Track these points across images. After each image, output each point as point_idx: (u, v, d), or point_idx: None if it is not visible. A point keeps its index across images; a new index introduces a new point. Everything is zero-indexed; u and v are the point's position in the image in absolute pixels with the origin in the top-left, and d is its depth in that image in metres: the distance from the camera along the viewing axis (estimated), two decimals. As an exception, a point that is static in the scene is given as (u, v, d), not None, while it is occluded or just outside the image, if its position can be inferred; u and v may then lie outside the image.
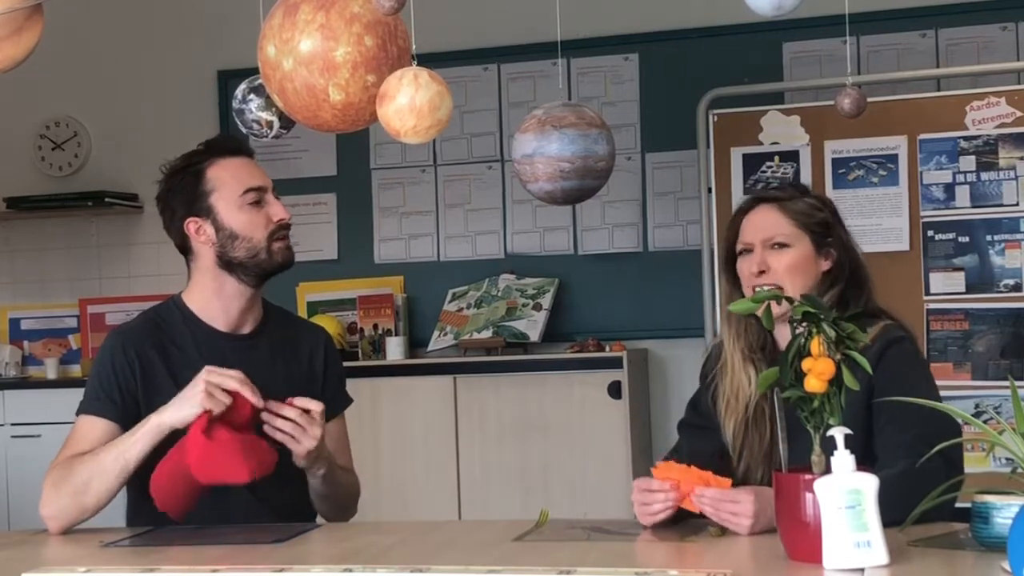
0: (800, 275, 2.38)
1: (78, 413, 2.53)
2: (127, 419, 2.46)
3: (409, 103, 2.00)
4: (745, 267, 2.42)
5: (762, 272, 2.39)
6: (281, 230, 2.58)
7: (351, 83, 2.12)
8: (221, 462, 2.30)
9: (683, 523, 2.18)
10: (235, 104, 2.45)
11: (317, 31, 2.10)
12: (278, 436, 2.41)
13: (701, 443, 2.43)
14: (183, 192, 2.57)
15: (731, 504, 2.10)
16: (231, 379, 2.36)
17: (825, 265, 2.43)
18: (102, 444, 2.43)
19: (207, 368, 2.38)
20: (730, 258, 2.48)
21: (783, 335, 2.39)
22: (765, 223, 2.42)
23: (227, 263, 2.57)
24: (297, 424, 2.41)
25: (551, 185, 2.40)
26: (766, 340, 2.44)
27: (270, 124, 2.42)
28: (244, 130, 2.50)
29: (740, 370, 2.43)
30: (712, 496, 2.13)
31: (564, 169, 2.38)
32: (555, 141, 2.37)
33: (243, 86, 2.44)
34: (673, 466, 2.21)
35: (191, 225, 2.57)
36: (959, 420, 2.14)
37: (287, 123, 2.42)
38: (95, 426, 2.48)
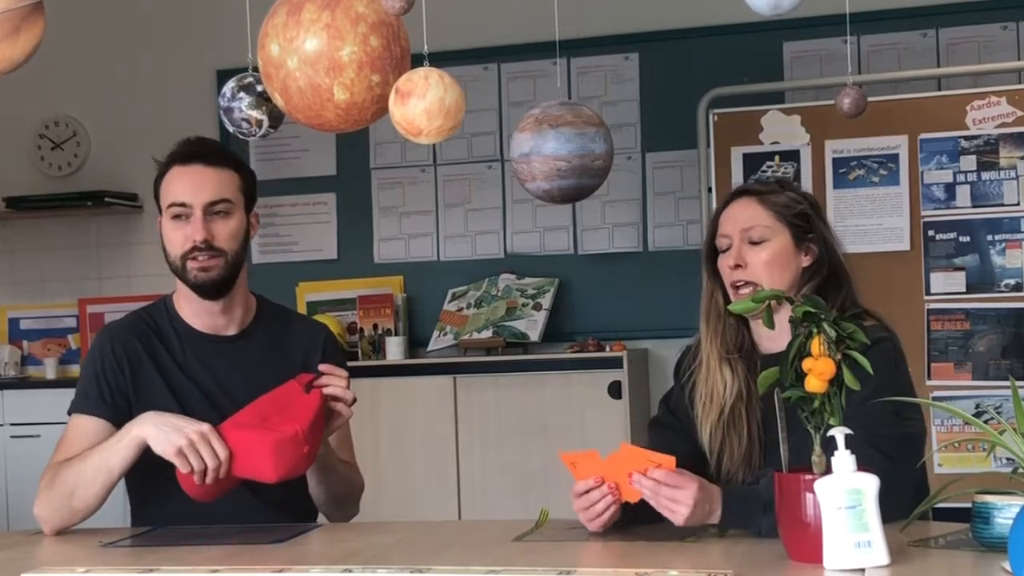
0: (778, 270, 2.34)
1: (70, 412, 2.53)
2: (119, 417, 2.46)
3: (439, 103, 2.00)
4: (723, 262, 2.38)
5: (738, 267, 2.35)
6: (195, 251, 2.47)
7: (356, 83, 2.11)
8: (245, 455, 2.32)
9: (661, 524, 2.12)
10: (223, 102, 2.42)
11: (323, 30, 2.10)
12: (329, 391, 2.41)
13: (674, 444, 2.34)
14: (155, 191, 2.58)
15: (672, 489, 2.06)
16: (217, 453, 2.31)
17: (806, 260, 2.38)
18: (95, 443, 2.42)
19: (207, 431, 2.31)
20: (711, 254, 2.44)
21: (761, 334, 2.36)
22: (744, 214, 2.38)
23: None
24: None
25: (548, 184, 2.40)
26: (743, 340, 2.40)
27: (259, 123, 2.39)
28: (232, 128, 2.45)
29: (716, 371, 2.38)
30: (654, 479, 2.07)
31: (561, 168, 2.38)
32: (551, 140, 2.37)
33: (231, 84, 2.42)
34: (593, 456, 2.16)
35: (158, 225, 2.57)
36: (922, 423, 2.20)
37: (276, 122, 2.40)
38: (87, 425, 2.48)
